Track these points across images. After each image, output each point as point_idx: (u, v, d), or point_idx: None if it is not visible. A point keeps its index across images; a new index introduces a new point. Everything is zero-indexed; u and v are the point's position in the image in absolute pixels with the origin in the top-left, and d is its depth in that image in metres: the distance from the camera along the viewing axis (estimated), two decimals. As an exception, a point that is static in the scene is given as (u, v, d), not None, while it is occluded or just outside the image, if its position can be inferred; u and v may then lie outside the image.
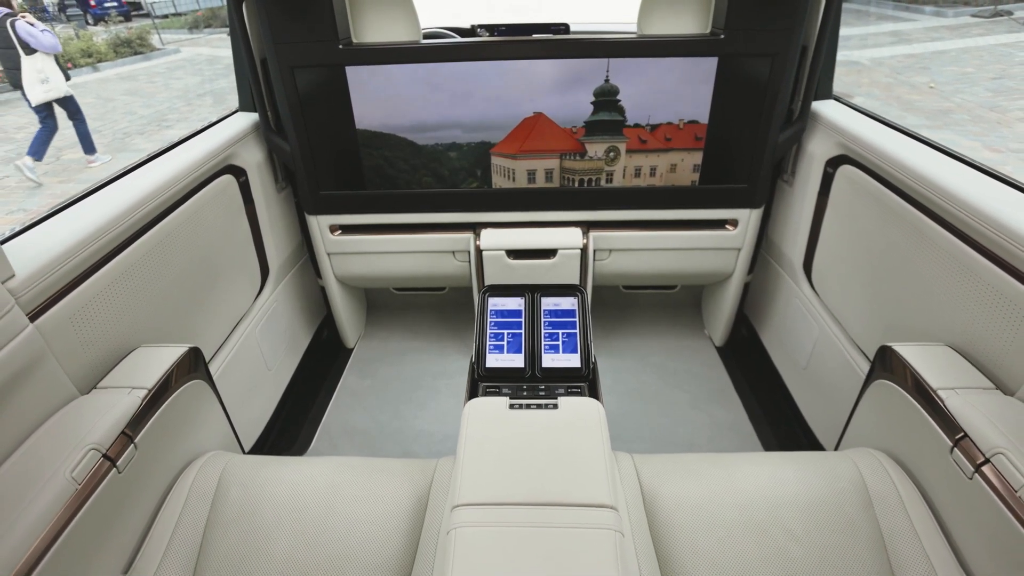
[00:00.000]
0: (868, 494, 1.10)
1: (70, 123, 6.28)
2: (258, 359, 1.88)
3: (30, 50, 5.46)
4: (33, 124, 8.65)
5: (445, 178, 1.87)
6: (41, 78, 5.55)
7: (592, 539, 0.82)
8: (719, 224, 1.96)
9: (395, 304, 2.59)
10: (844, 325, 1.65)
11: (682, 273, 2.10)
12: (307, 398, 2.14)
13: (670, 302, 2.54)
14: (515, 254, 1.93)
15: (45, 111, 5.91)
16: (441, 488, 1.15)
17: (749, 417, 1.98)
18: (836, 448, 1.50)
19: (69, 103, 6.04)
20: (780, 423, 1.95)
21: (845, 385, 1.60)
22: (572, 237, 1.92)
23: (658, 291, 2.51)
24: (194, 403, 1.27)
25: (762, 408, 2.02)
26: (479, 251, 1.94)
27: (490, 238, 1.93)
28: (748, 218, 1.93)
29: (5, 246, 1.04)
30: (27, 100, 5.74)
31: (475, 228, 1.98)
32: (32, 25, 5.45)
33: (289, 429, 2.00)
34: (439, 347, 2.37)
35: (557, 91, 1.71)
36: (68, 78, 6.00)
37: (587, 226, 1.97)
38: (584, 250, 1.92)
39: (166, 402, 1.15)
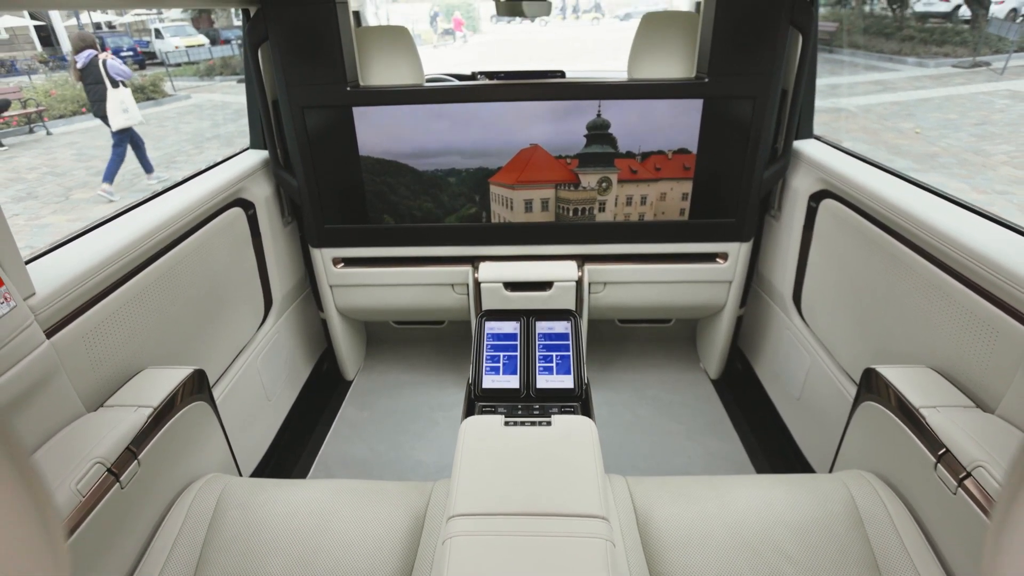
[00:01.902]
0: (859, 514, 1.12)
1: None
2: (258, 389, 1.90)
3: (116, 83, 6.23)
4: (44, 165, 8.89)
5: (445, 203, 1.95)
6: (123, 108, 6.36)
7: (583, 548, 0.84)
8: (710, 257, 2.03)
9: (394, 337, 2.63)
10: (833, 353, 1.68)
11: (676, 306, 2.15)
12: (305, 428, 2.15)
13: (665, 336, 2.58)
14: (512, 286, 1.98)
15: (122, 136, 6.61)
16: (437, 509, 1.17)
17: (744, 447, 1.99)
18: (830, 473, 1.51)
19: (124, 135, 6.61)
20: (775, 453, 1.96)
21: (837, 413, 1.62)
22: (568, 270, 1.98)
23: (653, 325, 2.55)
24: (197, 424, 1.30)
25: (757, 439, 2.03)
26: (477, 284, 1.99)
27: (488, 271, 1.99)
28: (738, 251, 2.00)
29: (28, 266, 1.09)
30: (109, 126, 6.51)
31: (473, 261, 2.04)
32: (114, 59, 6.25)
33: (287, 458, 2.00)
34: (437, 380, 2.39)
35: (552, 121, 1.80)
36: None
37: (582, 259, 2.03)
38: (579, 283, 1.98)
39: (170, 421, 1.18)
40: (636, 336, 2.59)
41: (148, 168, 7.19)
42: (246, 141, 2.08)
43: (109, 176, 6.80)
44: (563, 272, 1.97)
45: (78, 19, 18.26)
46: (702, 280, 2.06)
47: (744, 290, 2.13)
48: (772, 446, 1.99)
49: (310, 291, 2.32)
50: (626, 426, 2.11)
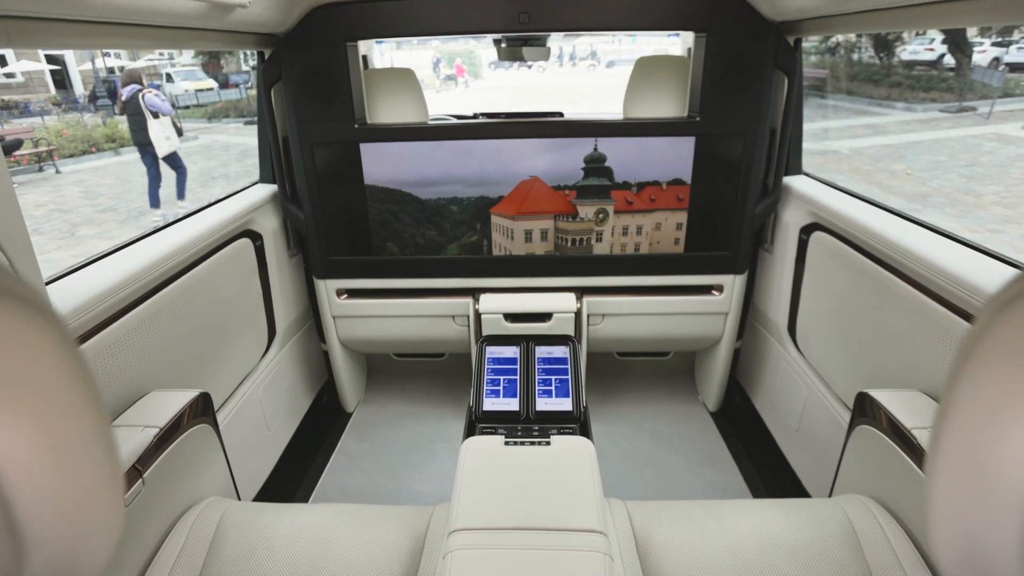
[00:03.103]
0: (857, 537, 1.12)
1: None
2: (259, 418, 1.91)
3: (155, 115, 6.80)
4: (52, 203, 9.05)
5: (447, 231, 2.00)
6: (166, 135, 6.95)
7: (582, 561, 0.85)
8: (706, 290, 2.07)
9: (395, 370, 2.65)
10: (829, 382, 1.71)
11: (673, 338, 2.18)
12: (304, 459, 2.15)
13: (664, 369, 2.60)
14: (512, 317, 2.02)
15: (175, 160, 7.30)
16: (437, 531, 1.17)
17: (744, 478, 1.99)
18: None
19: (174, 158, 7.30)
20: (775, 484, 1.95)
21: (835, 442, 1.63)
22: (566, 302, 2.02)
23: (652, 358, 2.57)
24: (201, 446, 1.31)
25: (756, 470, 2.03)
26: (478, 315, 2.03)
27: (488, 302, 2.03)
28: (733, 283, 2.04)
29: (48, 287, 1.13)
30: (155, 153, 7.05)
31: (474, 293, 2.08)
32: (155, 95, 6.85)
33: (286, 488, 1.99)
34: (437, 412, 2.40)
35: (550, 153, 1.88)
36: (181, 133, 7.33)
37: (581, 291, 2.07)
38: (578, 314, 2.02)
39: (175, 442, 1.20)
40: (635, 369, 2.60)
41: (155, 203, 7.53)
42: (250, 180, 2.16)
43: (180, 195, 7.59)
44: (562, 304, 2.01)
45: (93, 64, 18.90)
46: (699, 312, 2.10)
47: (740, 323, 2.17)
48: (772, 477, 1.98)
49: (312, 323, 2.35)
50: (625, 457, 2.10)
